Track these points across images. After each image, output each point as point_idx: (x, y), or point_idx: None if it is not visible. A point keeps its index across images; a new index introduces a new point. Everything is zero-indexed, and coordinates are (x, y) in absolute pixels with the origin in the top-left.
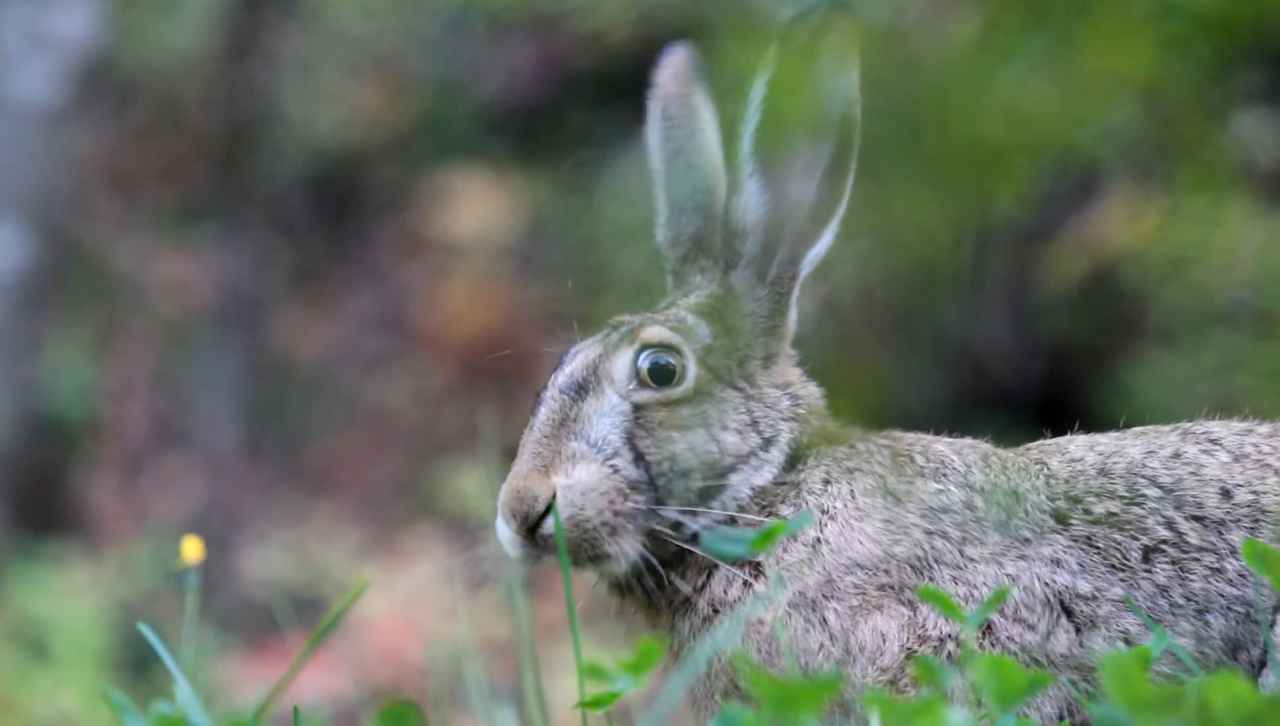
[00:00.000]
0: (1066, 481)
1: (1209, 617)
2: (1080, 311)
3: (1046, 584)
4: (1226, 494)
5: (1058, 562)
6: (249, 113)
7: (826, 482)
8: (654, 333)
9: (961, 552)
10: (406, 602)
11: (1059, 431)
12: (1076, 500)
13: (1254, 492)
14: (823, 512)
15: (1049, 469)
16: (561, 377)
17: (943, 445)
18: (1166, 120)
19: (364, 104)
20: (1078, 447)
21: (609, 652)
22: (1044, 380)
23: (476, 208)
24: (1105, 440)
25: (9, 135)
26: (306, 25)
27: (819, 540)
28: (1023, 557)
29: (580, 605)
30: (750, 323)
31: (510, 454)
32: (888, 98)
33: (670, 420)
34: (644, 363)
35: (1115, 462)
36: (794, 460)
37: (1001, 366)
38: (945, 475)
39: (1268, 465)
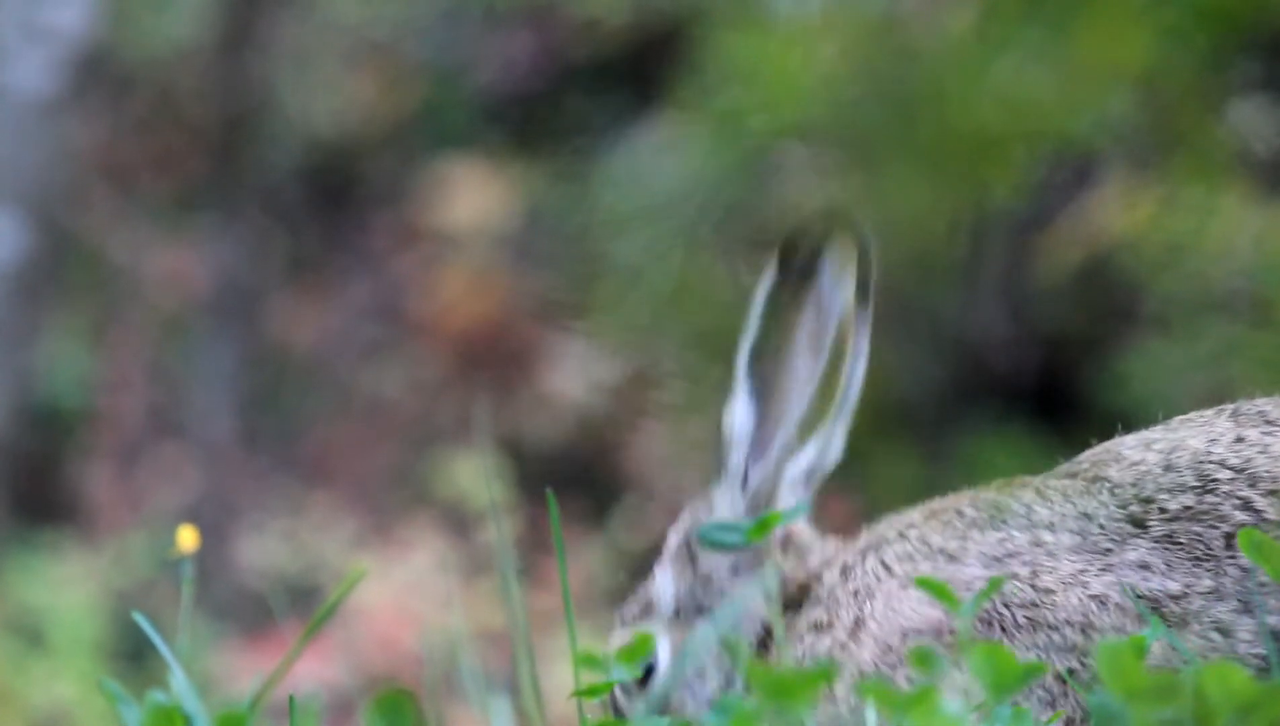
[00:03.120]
0: (1133, 485)
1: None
2: (1076, 300)
3: (1140, 594)
4: None
5: (1146, 566)
6: (245, 103)
7: (846, 571)
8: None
9: (1034, 587)
10: (402, 591)
11: (1054, 420)
12: (1149, 501)
13: None
14: (855, 596)
15: (1110, 481)
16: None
17: (991, 492)
18: (1163, 109)
19: (360, 93)
20: (1132, 450)
21: (604, 642)
22: (1040, 369)
23: (473, 197)
24: (1157, 435)
25: (4, 126)
26: (302, 14)
27: (859, 620)
28: (1107, 569)
29: (575, 594)
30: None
31: (504, 443)
32: (884, 87)
33: (647, 698)
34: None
35: (1179, 456)
36: (802, 591)
37: (997, 355)
38: (1005, 521)
39: None
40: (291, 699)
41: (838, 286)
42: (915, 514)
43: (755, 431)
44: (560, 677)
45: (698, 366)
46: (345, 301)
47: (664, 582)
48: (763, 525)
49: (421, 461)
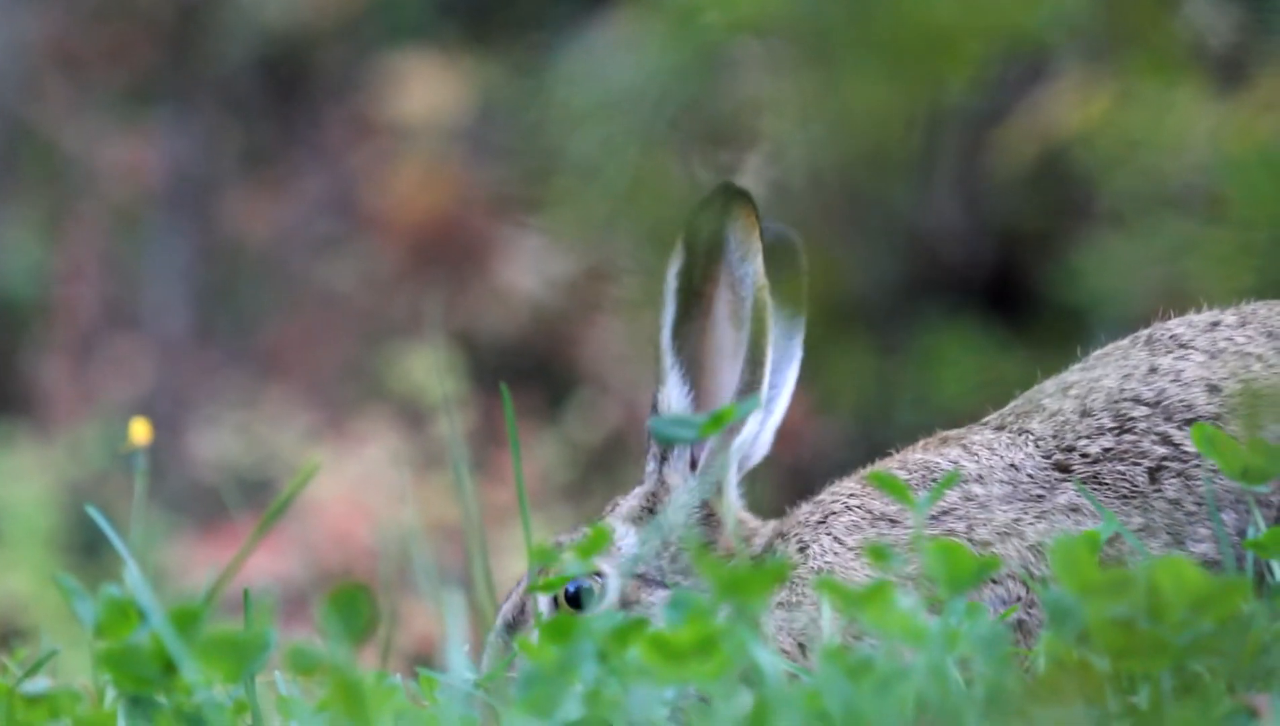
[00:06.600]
0: (1054, 436)
1: (1222, 516)
2: (1031, 195)
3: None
4: (1214, 389)
5: (1076, 509)
6: None
7: (803, 548)
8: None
9: (971, 541)
10: (356, 485)
11: (1007, 314)
12: (1071, 449)
13: (1242, 382)
14: (817, 574)
15: (1033, 434)
16: (498, 620)
17: (918, 453)
18: (1118, 3)
19: None
20: (1051, 399)
21: (558, 536)
22: (994, 263)
23: (427, 90)
24: (1075, 378)
25: None
26: None
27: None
28: (1041, 516)
29: (529, 488)
30: (684, 515)
31: (457, 337)
32: None
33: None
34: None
35: (1094, 399)
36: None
37: (951, 249)
38: (935, 479)
39: (1248, 354)
40: (246, 592)
41: (745, 260)
42: (853, 483)
43: (692, 407)
44: (514, 571)
45: (652, 261)
46: (299, 194)
47: (627, 540)
48: (717, 419)
49: (375, 355)
